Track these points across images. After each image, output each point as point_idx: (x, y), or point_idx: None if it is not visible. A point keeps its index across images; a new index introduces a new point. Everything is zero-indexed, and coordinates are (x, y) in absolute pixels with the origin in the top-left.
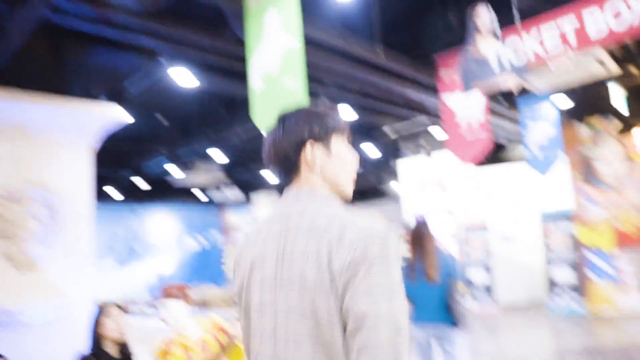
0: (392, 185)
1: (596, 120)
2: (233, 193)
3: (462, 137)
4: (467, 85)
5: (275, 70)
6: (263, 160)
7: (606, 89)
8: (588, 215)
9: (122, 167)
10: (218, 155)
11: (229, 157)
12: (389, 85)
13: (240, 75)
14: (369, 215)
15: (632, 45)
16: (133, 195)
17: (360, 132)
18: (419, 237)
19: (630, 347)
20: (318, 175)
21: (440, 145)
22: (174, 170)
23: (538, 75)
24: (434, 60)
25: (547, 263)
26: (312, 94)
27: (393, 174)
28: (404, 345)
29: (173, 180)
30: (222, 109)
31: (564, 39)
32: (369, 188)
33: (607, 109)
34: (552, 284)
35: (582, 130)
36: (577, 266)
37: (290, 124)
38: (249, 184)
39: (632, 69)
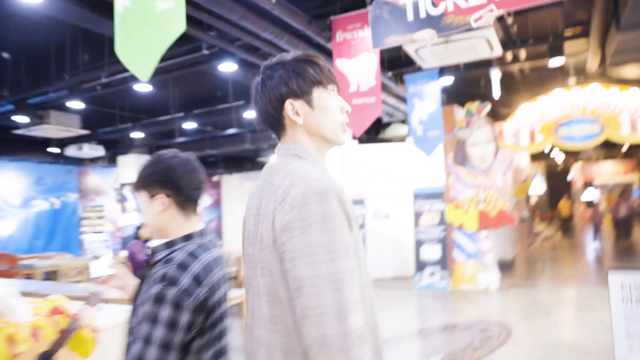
0: (272, 157)
1: (472, 105)
2: (95, 152)
3: (352, 105)
4: (377, 41)
5: None
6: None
7: (486, 74)
8: (457, 196)
9: None
10: (78, 105)
11: (91, 109)
12: (279, 43)
13: (109, 6)
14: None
15: (514, 30)
16: None
17: (241, 95)
18: None
19: (486, 319)
20: (302, 130)
21: None
22: (21, 120)
23: (430, 50)
24: (330, 22)
25: (416, 239)
26: (188, 38)
27: (273, 145)
28: (350, 310)
29: (20, 132)
30: (85, 49)
31: None
32: (248, 158)
33: (484, 94)
34: (420, 260)
35: (459, 113)
36: (444, 244)
37: (270, 81)
38: (114, 142)
39: (508, 55)
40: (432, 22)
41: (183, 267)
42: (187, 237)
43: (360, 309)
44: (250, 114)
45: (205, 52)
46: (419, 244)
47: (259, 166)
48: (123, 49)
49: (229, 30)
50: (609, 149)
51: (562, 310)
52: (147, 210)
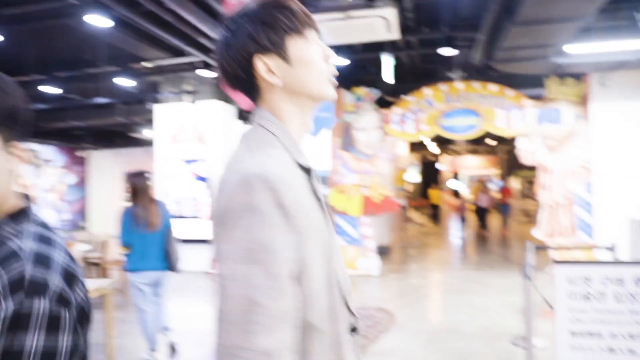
0: (146, 132)
1: (361, 90)
2: None
3: None
4: None
5: None
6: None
7: (377, 59)
8: (341, 180)
9: None
10: None
11: None
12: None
13: None
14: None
15: (412, 14)
16: None
17: (115, 60)
18: (137, 188)
19: (369, 305)
20: (281, 92)
21: (207, 92)
22: None
23: (328, 25)
24: None
25: None
26: None
27: (148, 119)
28: (261, 325)
29: None
30: None
31: None
32: (119, 132)
33: (374, 80)
34: None
35: (348, 97)
36: None
37: (235, 38)
38: None
39: (400, 42)
40: None
41: (43, 261)
42: (22, 212)
43: (285, 328)
44: (124, 82)
45: (74, 0)
46: None
47: (132, 142)
48: None
49: None
50: (476, 145)
51: (440, 295)
52: None
